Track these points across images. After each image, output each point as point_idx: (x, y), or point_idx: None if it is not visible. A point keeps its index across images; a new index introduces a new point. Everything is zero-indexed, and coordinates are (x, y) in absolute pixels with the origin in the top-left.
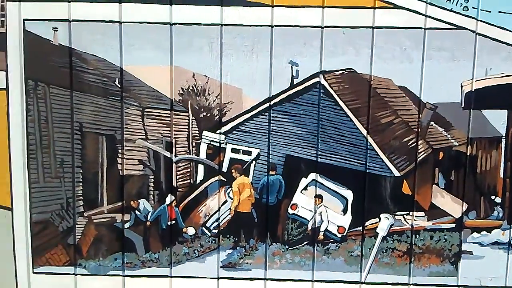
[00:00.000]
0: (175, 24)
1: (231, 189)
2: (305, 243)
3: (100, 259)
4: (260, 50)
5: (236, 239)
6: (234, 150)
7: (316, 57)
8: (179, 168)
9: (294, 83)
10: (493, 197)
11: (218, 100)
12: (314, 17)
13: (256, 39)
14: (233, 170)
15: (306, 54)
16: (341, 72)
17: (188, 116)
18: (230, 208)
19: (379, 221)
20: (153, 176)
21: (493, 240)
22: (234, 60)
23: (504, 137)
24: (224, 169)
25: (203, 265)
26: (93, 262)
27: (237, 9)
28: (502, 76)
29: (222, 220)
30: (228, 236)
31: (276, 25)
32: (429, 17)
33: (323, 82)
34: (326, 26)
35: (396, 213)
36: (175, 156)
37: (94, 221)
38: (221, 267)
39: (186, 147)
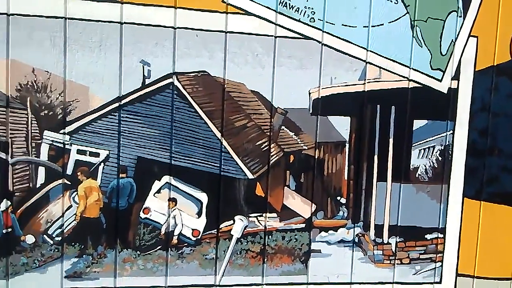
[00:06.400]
0: (12, 15)
1: (77, 193)
2: (158, 248)
3: None
4: (109, 47)
5: (82, 246)
6: (80, 152)
7: (169, 58)
8: (16, 171)
9: (146, 83)
10: (338, 198)
11: (61, 98)
12: (166, 17)
13: (104, 35)
14: (78, 173)
15: (158, 54)
16: (194, 74)
17: (27, 114)
18: (75, 214)
19: (234, 223)
20: None
21: (339, 238)
22: (80, 56)
23: (347, 142)
24: (69, 171)
25: (44, 276)
26: None
27: (83, 3)
28: (345, 85)
29: (66, 227)
30: (73, 243)
31: (125, 23)
32: (279, 25)
33: (176, 83)
34: (178, 27)
35: (250, 215)
36: (11, 157)
37: None
38: (65, 277)
39: (24, 147)
